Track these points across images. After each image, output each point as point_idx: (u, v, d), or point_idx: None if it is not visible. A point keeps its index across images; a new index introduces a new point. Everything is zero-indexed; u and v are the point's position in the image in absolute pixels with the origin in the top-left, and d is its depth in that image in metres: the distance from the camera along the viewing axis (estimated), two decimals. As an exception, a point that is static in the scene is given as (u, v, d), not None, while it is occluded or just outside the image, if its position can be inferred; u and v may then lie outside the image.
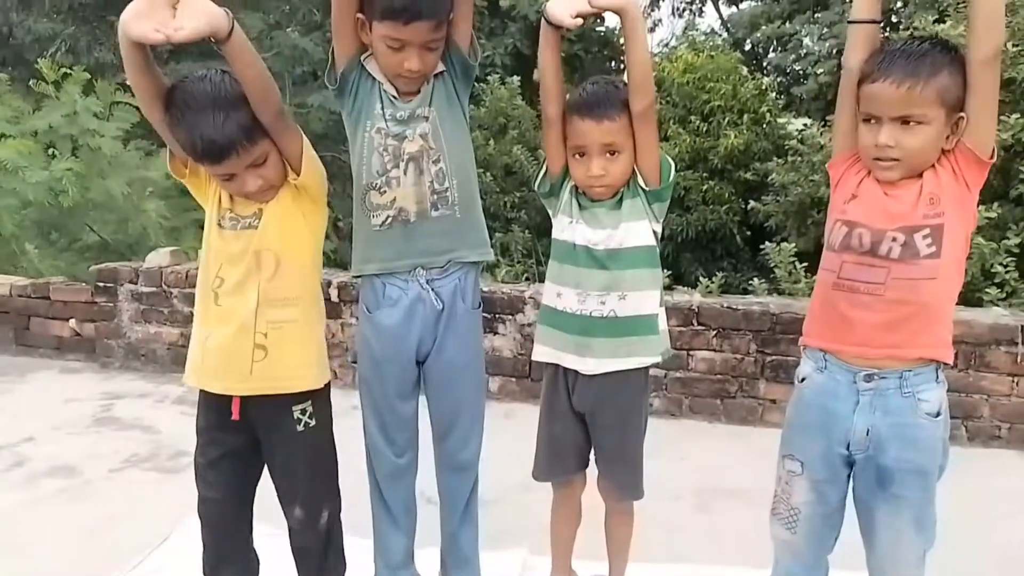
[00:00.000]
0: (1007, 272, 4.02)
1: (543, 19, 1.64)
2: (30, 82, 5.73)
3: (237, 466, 1.68)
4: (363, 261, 1.77)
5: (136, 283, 3.96)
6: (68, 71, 5.52)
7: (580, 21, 1.59)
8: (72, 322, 4.14)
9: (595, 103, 1.67)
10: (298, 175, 1.59)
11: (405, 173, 1.69)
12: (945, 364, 1.52)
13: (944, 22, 5.34)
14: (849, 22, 1.55)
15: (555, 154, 1.75)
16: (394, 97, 1.69)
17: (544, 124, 1.77)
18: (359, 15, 1.62)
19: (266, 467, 1.72)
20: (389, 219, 1.71)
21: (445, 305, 1.75)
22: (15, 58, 9.97)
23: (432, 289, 1.74)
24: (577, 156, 1.71)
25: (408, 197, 1.70)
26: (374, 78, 1.69)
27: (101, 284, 4.02)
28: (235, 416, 1.61)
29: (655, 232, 1.74)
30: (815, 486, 1.57)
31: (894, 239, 1.46)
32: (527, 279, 6.78)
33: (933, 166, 1.46)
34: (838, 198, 1.57)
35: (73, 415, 3.39)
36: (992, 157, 1.44)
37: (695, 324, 3.28)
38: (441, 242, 1.73)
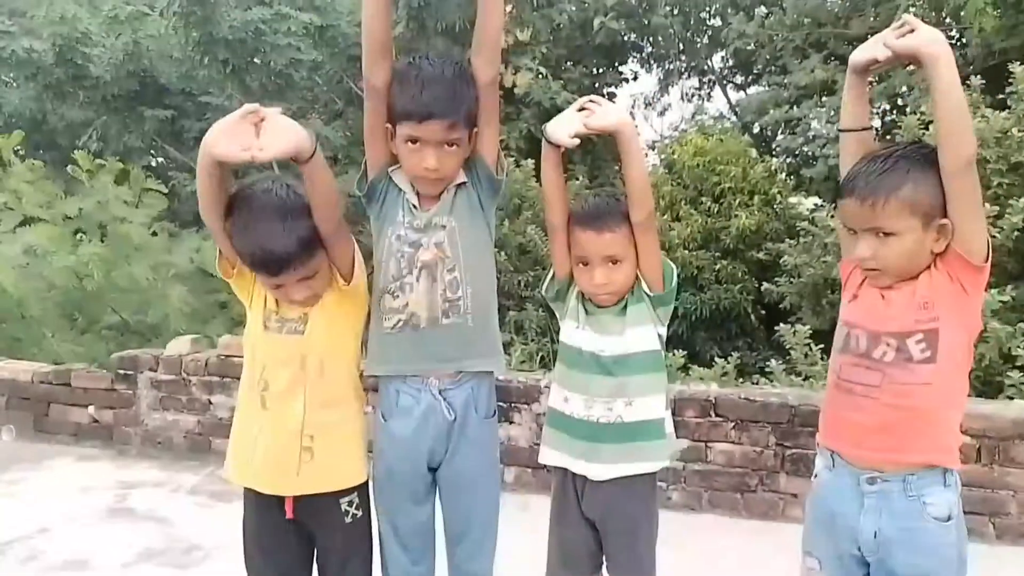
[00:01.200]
0: None
1: (544, 138, 1.73)
2: (67, 168, 5.96)
3: (288, 556, 1.73)
4: (373, 362, 1.80)
5: (156, 371, 4.01)
6: (103, 162, 5.77)
7: (578, 140, 1.68)
8: (91, 409, 4.18)
9: (596, 215, 1.74)
10: (347, 283, 1.67)
11: (418, 280, 1.74)
12: (953, 468, 1.50)
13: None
14: (839, 130, 1.60)
15: (561, 261, 1.81)
16: (415, 206, 1.77)
17: (549, 232, 1.84)
18: (387, 125, 1.71)
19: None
20: (400, 323, 1.75)
21: (457, 415, 1.77)
22: (48, 142, 10.41)
23: (444, 399, 1.76)
24: (581, 265, 1.76)
25: (420, 303, 1.74)
26: (400, 188, 1.77)
27: (121, 371, 4.07)
28: (289, 515, 1.67)
29: (660, 336, 1.79)
30: None
31: (888, 343, 1.47)
32: (541, 359, 6.80)
33: (929, 268, 1.47)
34: (844, 298, 1.61)
35: (88, 505, 3.39)
36: (987, 260, 1.44)
37: (713, 415, 3.26)
38: (450, 350, 1.76)
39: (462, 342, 1.77)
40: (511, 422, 3.45)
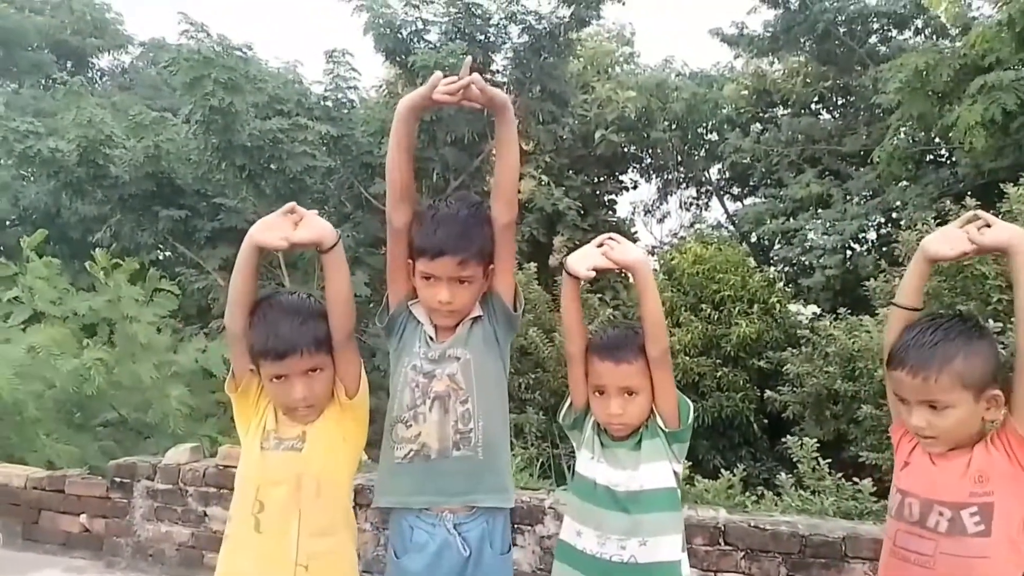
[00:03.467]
0: None
1: (564, 270, 1.81)
2: (77, 262, 6.06)
3: None
4: (382, 492, 1.81)
5: (153, 479, 3.93)
6: (119, 261, 5.90)
7: (593, 273, 1.76)
8: (83, 517, 4.07)
9: (614, 346, 1.78)
10: (351, 397, 1.70)
11: (431, 410, 1.77)
12: None
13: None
14: (892, 304, 1.67)
15: (578, 389, 1.84)
16: (431, 338, 1.81)
17: (568, 361, 1.87)
18: (409, 260, 1.79)
19: None
20: (411, 453, 1.77)
21: (472, 551, 1.75)
22: (59, 236, 10.63)
23: (460, 534, 1.75)
24: (597, 394, 1.79)
25: (431, 434, 1.76)
26: (418, 320, 1.83)
27: (118, 479, 4.00)
28: None
29: (676, 472, 1.78)
30: None
31: (940, 513, 1.49)
32: (541, 464, 6.67)
33: (985, 443, 1.50)
34: (897, 463, 1.63)
35: (72, 623, 3.26)
36: None
37: (722, 543, 3.18)
38: (459, 483, 1.76)
39: (472, 475, 1.77)
40: (514, 544, 3.36)
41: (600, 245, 1.80)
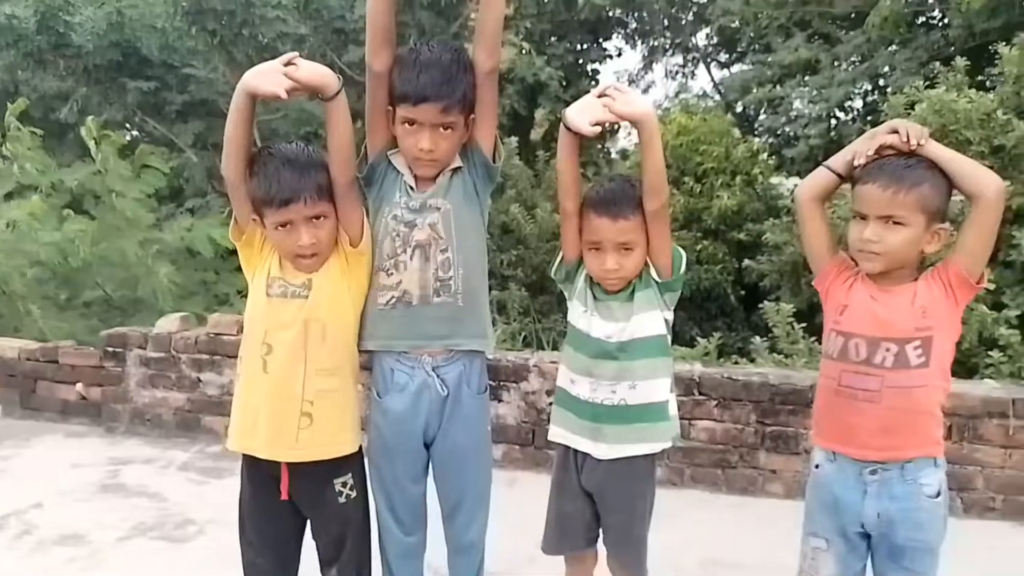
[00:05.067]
0: (1011, 336, 3.97)
1: (562, 124, 1.74)
2: (81, 130, 5.89)
3: (282, 531, 1.79)
4: (367, 338, 1.85)
5: (145, 348, 4.02)
6: (108, 133, 5.76)
7: (598, 129, 1.69)
8: (79, 386, 4.19)
9: (611, 201, 1.76)
10: (355, 245, 1.74)
11: (412, 258, 1.79)
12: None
13: (935, 87, 5.53)
14: (823, 165, 1.72)
15: (571, 244, 1.85)
16: (411, 188, 1.81)
17: (562, 216, 1.86)
18: (388, 107, 1.76)
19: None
20: (393, 300, 1.81)
21: (450, 391, 1.82)
22: (20, 115, 10.25)
23: (438, 375, 1.82)
24: (593, 249, 1.79)
25: (412, 281, 1.79)
26: (398, 170, 1.82)
27: (110, 349, 4.08)
28: (284, 496, 1.73)
29: (667, 320, 1.82)
30: (840, 559, 1.72)
31: (887, 349, 1.60)
32: (524, 338, 6.86)
33: (927, 278, 1.61)
34: (830, 309, 1.71)
35: (80, 481, 3.42)
36: (980, 282, 1.61)
37: (696, 394, 3.34)
38: (440, 327, 1.81)
39: (452, 321, 1.82)
40: (499, 400, 3.52)
41: (601, 96, 1.71)
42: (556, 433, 1.89)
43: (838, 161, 1.70)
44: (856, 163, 1.64)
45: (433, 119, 1.70)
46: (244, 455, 1.78)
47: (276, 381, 1.69)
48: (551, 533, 1.95)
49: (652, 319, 1.79)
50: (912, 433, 1.63)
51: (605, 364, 1.78)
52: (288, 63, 1.65)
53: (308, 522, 1.84)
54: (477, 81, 1.74)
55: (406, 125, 1.73)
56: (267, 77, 1.62)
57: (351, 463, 1.80)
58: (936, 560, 1.67)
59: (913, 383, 1.60)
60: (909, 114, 5.40)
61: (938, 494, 1.65)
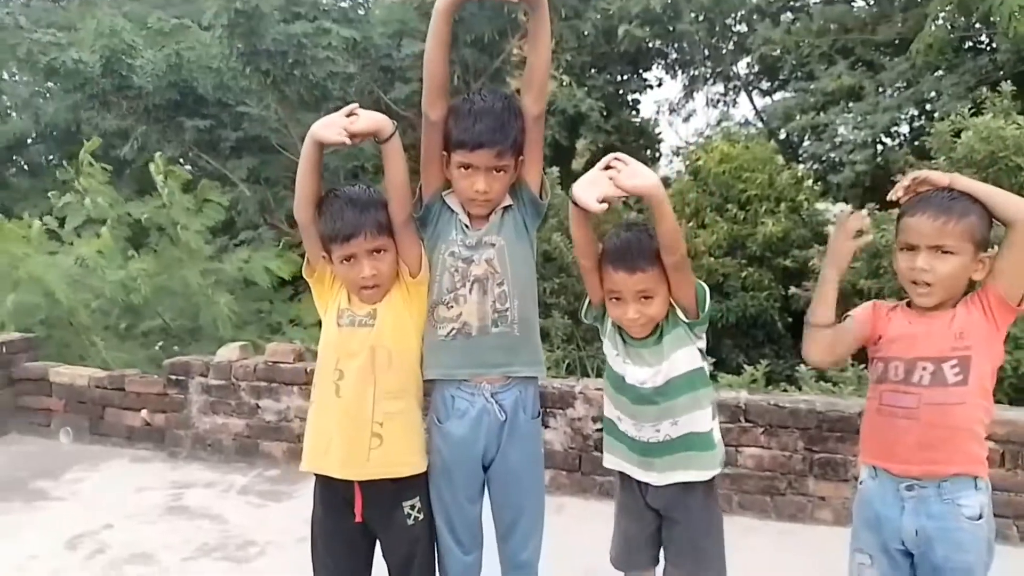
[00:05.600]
0: None
1: (571, 200, 1.77)
2: (150, 166, 6.23)
3: (354, 551, 1.90)
4: (428, 367, 1.96)
5: (206, 376, 4.20)
6: (173, 169, 6.11)
7: (606, 206, 1.71)
8: (144, 412, 4.38)
9: (628, 255, 1.78)
10: (414, 276, 1.88)
11: (471, 292, 1.90)
12: (982, 476, 1.70)
13: (982, 112, 5.49)
14: (810, 324, 1.79)
15: (595, 292, 1.91)
16: (466, 226, 1.93)
17: (582, 271, 1.92)
18: (443, 152, 1.88)
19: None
20: (454, 331, 1.91)
21: (508, 416, 1.92)
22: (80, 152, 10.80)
23: (496, 401, 1.91)
24: (614, 300, 1.83)
25: (472, 313, 1.90)
26: (452, 210, 1.94)
27: (173, 377, 4.27)
28: (358, 518, 1.84)
29: (700, 350, 1.86)
30: (884, 575, 1.74)
31: (924, 368, 1.67)
32: (568, 366, 6.90)
33: (966, 303, 1.67)
34: (871, 346, 1.79)
35: (146, 503, 3.58)
36: (1020, 304, 1.65)
37: (743, 421, 3.36)
38: (498, 356, 1.92)
39: (509, 349, 1.93)
40: (546, 426, 3.58)
41: (607, 167, 1.74)
42: (611, 461, 1.97)
43: (818, 315, 1.76)
44: (892, 196, 1.72)
45: (488, 163, 1.82)
46: (318, 479, 1.90)
47: (347, 404, 1.82)
48: (618, 550, 2.01)
49: (685, 355, 1.82)
50: (951, 449, 1.66)
51: (646, 408, 1.84)
52: (350, 113, 1.82)
53: (378, 542, 1.93)
54: (526, 125, 1.86)
55: (462, 169, 1.85)
56: (332, 128, 1.79)
57: (419, 487, 1.91)
58: None
59: (951, 400, 1.65)
60: (955, 142, 5.37)
61: (980, 516, 1.67)
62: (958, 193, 1.66)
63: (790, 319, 7.57)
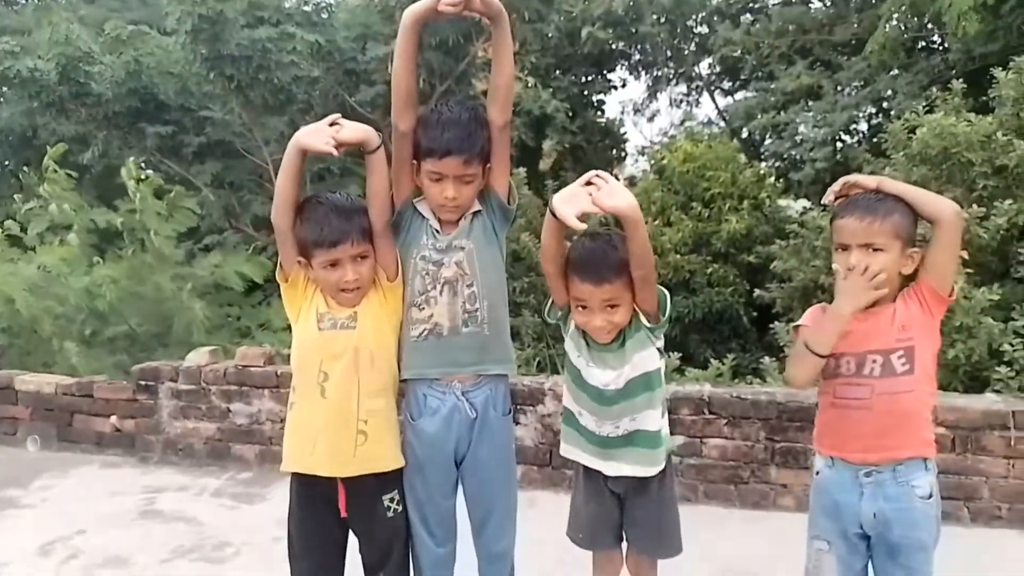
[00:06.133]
0: (1015, 351, 4.02)
1: (549, 210, 1.83)
2: (122, 170, 6.17)
3: (330, 546, 1.95)
4: (403, 368, 2.02)
5: (176, 381, 4.19)
6: (144, 176, 6.09)
7: (584, 226, 1.76)
8: (113, 419, 4.36)
9: (594, 267, 1.83)
10: (391, 280, 1.95)
11: (441, 294, 1.97)
12: (931, 457, 1.82)
13: (934, 112, 5.68)
14: (808, 350, 1.79)
15: (559, 294, 1.95)
16: (437, 231, 1.99)
17: (546, 274, 1.97)
18: (413, 160, 1.95)
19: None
20: (425, 332, 1.98)
21: (479, 413, 1.99)
22: (38, 158, 10.59)
23: (467, 399, 1.98)
24: (580, 308, 1.88)
25: (443, 314, 1.97)
26: (423, 215, 2.00)
27: (143, 382, 4.25)
28: (343, 513, 1.90)
29: (659, 349, 1.93)
30: (842, 559, 1.86)
31: (874, 360, 1.78)
32: (538, 363, 6.98)
33: (903, 298, 1.79)
34: None
35: (119, 508, 3.57)
36: (951, 295, 1.79)
37: (707, 413, 3.47)
38: (469, 355, 1.98)
39: (480, 348, 1.99)
40: (517, 423, 3.65)
41: (588, 184, 1.78)
42: (568, 451, 2.04)
43: (825, 345, 1.77)
44: (824, 201, 1.85)
45: (456, 171, 1.90)
46: (296, 479, 1.94)
47: (334, 404, 1.88)
48: (584, 530, 2.07)
49: (645, 358, 1.89)
50: (904, 435, 1.78)
51: (607, 408, 1.92)
52: (332, 123, 1.87)
53: (351, 537, 1.99)
54: (492, 135, 1.94)
55: (432, 177, 1.92)
56: (318, 136, 1.83)
57: (397, 480, 1.97)
58: (930, 558, 1.80)
59: (900, 389, 1.77)
60: (910, 139, 5.56)
61: (930, 496, 1.80)
62: (884, 195, 1.78)
63: (755, 314, 7.74)
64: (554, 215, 1.80)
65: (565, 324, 2.00)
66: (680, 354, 5.76)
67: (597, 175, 1.81)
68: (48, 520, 3.45)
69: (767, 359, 5.07)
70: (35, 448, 4.45)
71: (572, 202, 1.78)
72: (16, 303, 5.47)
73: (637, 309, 1.87)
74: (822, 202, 1.87)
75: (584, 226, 1.76)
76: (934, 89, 6.92)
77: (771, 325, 5.64)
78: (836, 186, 1.85)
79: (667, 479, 2.02)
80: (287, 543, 2.00)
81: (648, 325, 1.88)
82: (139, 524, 3.41)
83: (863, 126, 10.18)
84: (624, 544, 2.08)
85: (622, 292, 1.83)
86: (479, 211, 2.00)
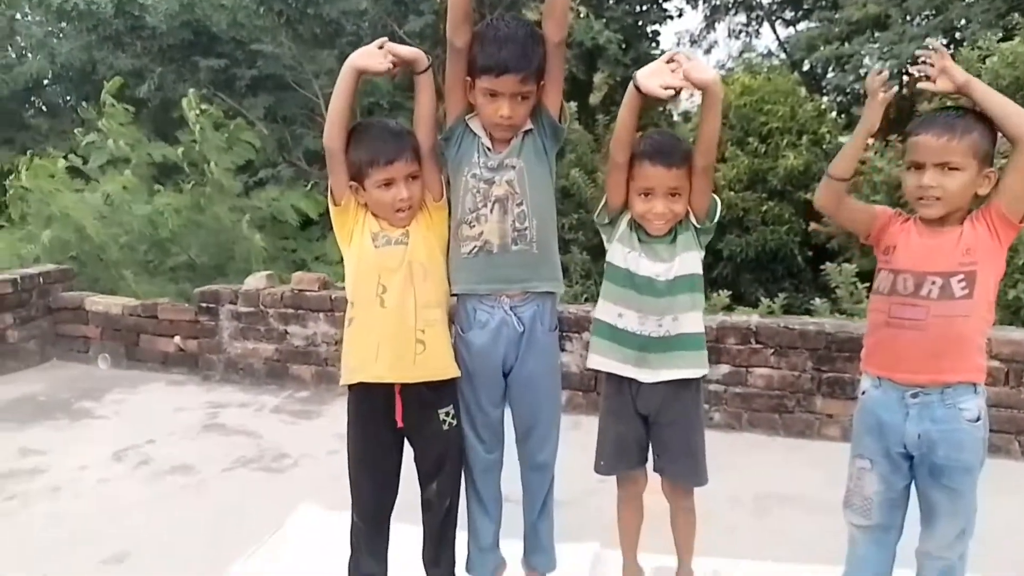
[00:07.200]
0: None
1: (632, 84, 1.89)
2: (183, 102, 6.32)
3: (387, 457, 2.05)
4: (452, 283, 2.07)
5: (236, 304, 4.36)
6: (207, 107, 6.20)
7: (671, 92, 1.83)
8: (177, 339, 4.57)
9: (666, 151, 1.93)
10: (437, 200, 2.01)
11: (492, 212, 1.99)
12: (980, 382, 1.80)
13: (1013, 38, 5.37)
14: (827, 175, 1.86)
15: (617, 192, 2.01)
16: (488, 149, 2.00)
17: (611, 166, 2.02)
18: (467, 78, 1.95)
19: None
20: (475, 249, 2.01)
21: (526, 328, 2.03)
22: (97, 93, 10.85)
23: (515, 314, 2.02)
24: (643, 195, 1.95)
25: (493, 232, 1.99)
26: (475, 133, 2.01)
27: (204, 304, 4.44)
28: (399, 424, 1.99)
29: (701, 259, 2.02)
30: (883, 478, 1.86)
31: (933, 282, 1.75)
32: (585, 299, 7.01)
33: (971, 221, 1.74)
34: (880, 252, 1.86)
35: (184, 422, 3.79)
36: (1022, 221, 1.73)
37: (753, 343, 3.46)
38: (518, 272, 2.02)
39: (528, 266, 2.02)
40: (563, 350, 3.71)
41: (670, 61, 1.85)
42: (599, 362, 2.08)
43: (838, 167, 1.84)
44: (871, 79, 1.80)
45: (512, 89, 1.89)
46: (355, 390, 2.02)
47: (393, 314, 1.95)
48: (608, 454, 2.14)
49: (692, 258, 1.98)
50: (956, 358, 1.76)
51: (654, 301, 1.96)
52: (381, 46, 1.92)
53: (408, 450, 2.08)
54: (547, 52, 1.92)
55: (487, 94, 1.91)
56: (374, 57, 1.90)
57: (452, 395, 2.05)
58: (975, 481, 1.80)
59: (957, 312, 1.73)
60: (981, 68, 5.27)
61: (978, 418, 1.78)
62: (963, 111, 1.72)
63: (810, 253, 7.58)
64: (638, 89, 1.86)
65: (614, 227, 2.03)
66: (731, 292, 5.70)
67: (680, 53, 1.86)
68: (120, 430, 3.68)
69: (818, 300, 4.98)
70: (105, 365, 4.71)
71: (656, 76, 1.84)
72: (87, 230, 5.70)
73: (689, 209, 1.95)
74: (866, 83, 1.80)
75: (671, 93, 1.82)
76: (1015, 15, 6.49)
77: (822, 267, 5.52)
78: (925, 55, 1.76)
79: (700, 397, 2.06)
80: (347, 454, 2.09)
81: (696, 225, 1.96)
82: (203, 436, 3.62)
83: (933, 57, 9.66)
84: (650, 467, 2.13)
85: (685, 182, 1.92)
86: (530, 130, 2.00)
